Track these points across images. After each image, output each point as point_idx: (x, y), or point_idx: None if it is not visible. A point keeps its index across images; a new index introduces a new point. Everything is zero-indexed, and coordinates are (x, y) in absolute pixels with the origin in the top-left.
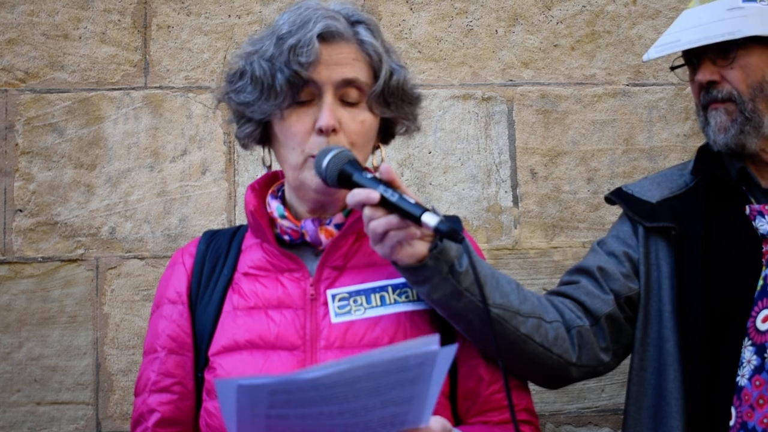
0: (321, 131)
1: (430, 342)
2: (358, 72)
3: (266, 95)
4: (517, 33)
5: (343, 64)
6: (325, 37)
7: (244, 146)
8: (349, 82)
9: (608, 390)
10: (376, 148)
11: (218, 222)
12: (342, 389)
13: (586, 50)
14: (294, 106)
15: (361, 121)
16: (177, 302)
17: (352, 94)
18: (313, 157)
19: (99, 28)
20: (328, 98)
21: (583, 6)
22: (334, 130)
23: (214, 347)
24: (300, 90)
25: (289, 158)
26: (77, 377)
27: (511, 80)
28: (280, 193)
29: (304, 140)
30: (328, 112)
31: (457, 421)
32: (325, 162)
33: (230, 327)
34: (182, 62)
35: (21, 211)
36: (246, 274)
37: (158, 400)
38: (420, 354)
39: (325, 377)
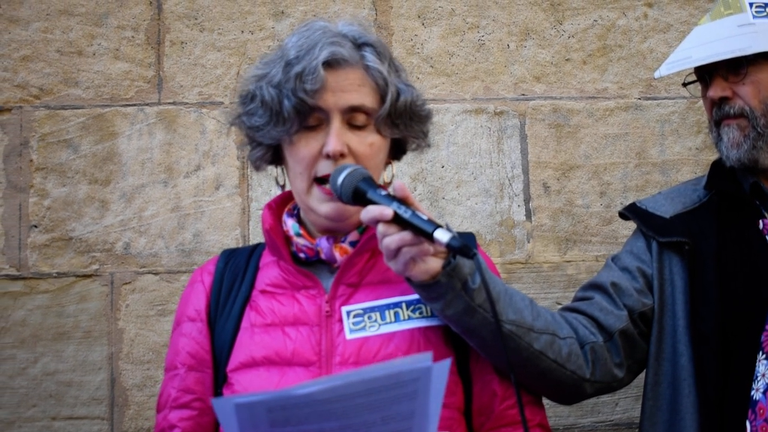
0: (329, 156)
1: (423, 359)
2: (364, 98)
3: (275, 121)
4: (528, 47)
5: (348, 90)
6: (331, 63)
7: (257, 168)
8: (355, 109)
9: (622, 404)
10: (387, 164)
11: (232, 237)
12: (339, 405)
13: (598, 64)
14: (302, 132)
15: (369, 144)
16: (196, 320)
17: (360, 118)
18: (317, 181)
19: (113, 44)
20: (336, 123)
21: (595, 20)
22: (342, 155)
23: (232, 363)
24: (307, 116)
25: (296, 183)
26: (92, 392)
27: (523, 94)
28: (295, 212)
29: (311, 164)
30: (335, 137)
31: None
32: (340, 179)
33: (248, 344)
34: (195, 78)
35: (36, 226)
36: (263, 292)
37: (179, 416)
38: (413, 370)
39: (318, 393)
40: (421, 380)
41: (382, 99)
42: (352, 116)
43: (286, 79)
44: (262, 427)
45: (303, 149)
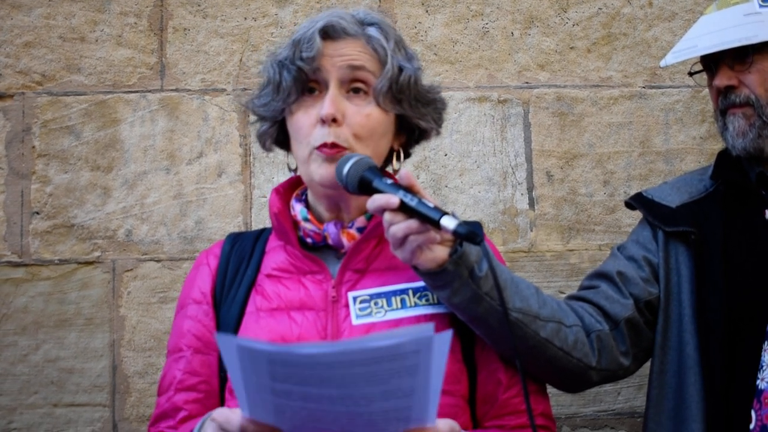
0: (323, 121)
1: (424, 329)
2: (365, 62)
3: (276, 93)
4: (532, 35)
5: (348, 54)
6: (329, 32)
7: (264, 146)
8: (354, 69)
9: (624, 393)
10: (397, 153)
11: (234, 224)
12: (339, 371)
13: (602, 52)
14: (301, 101)
15: (366, 114)
16: (202, 302)
17: (359, 83)
18: (316, 149)
19: (115, 30)
20: (332, 89)
21: (599, 8)
22: (335, 120)
23: None
24: (305, 84)
25: (298, 152)
26: (94, 379)
27: (527, 82)
28: (303, 197)
29: (309, 133)
30: (329, 101)
31: (475, 425)
32: (345, 169)
33: (253, 328)
34: (198, 65)
35: (38, 213)
36: (269, 276)
37: (184, 398)
38: (414, 340)
39: (320, 355)
40: (422, 353)
41: (383, 69)
42: (351, 83)
43: (287, 54)
44: (264, 378)
45: (302, 117)
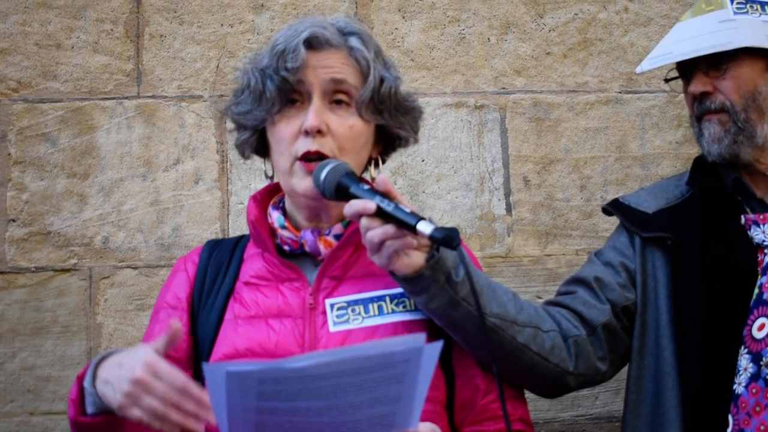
0: (307, 133)
1: (416, 339)
2: (347, 75)
3: (258, 102)
4: (509, 41)
5: (331, 66)
6: (313, 43)
7: (242, 154)
8: (337, 82)
9: (602, 397)
10: (375, 160)
11: (211, 231)
12: (329, 382)
13: (579, 58)
14: (284, 111)
15: (349, 125)
16: (177, 308)
17: (341, 95)
18: (299, 160)
19: (92, 37)
20: (316, 101)
21: (575, 14)
22: (320, 132)
23: (215, 355)
24: (289, 95)
25: (279, 163)
26: (71, 387)
27: (503, 88)
28: (281, 204)
29: (291, 143)
30: (313, 113)
31: (453, 431)
32: (323, 175)
33: (231, 335)
34: (175, 71)
35: (14, 221)
36: (247, 284)
37: None
38: (406, 351)
39: (311, 367)
40: (412, 362)
41: (365, 81)
42: (333, 95)
43: (269, 63)
44: (249, 400)
45: (284, 128)
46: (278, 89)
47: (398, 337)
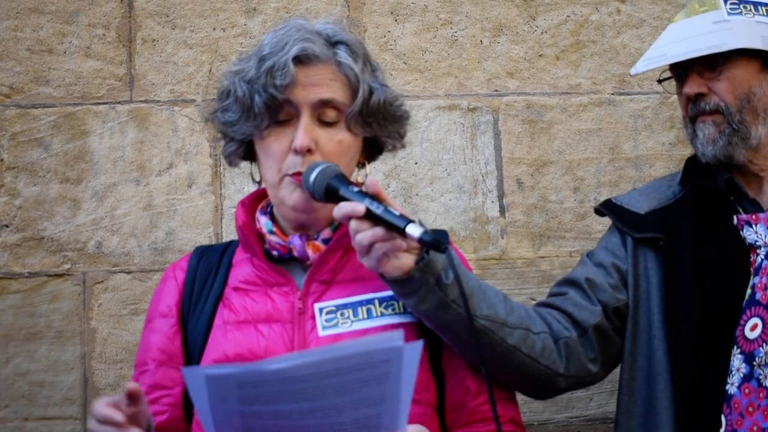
0: (297, 151)
1: (394, 338)
2: (335, 92)
3: (246, 116)
4: (501, 43)
5: (319, 84)
6: (302, 59)
7: (230, 163)
8: (325, 103)
9: (596, 399)
10: (362, 165)
11: (205, 235)
12: (309, 384)
13: (571, 60)
14: (273, 127)
15: (338, 141)
16: (168, 315)
17: (330, 114)
18: (288, 176)
19: (84, 42)
20: (305, 119)
21: (568, 16)
22: (309, 150)
23: (205, 361)
24: (277, 111)
25: (267, 176)
26: (65, 392)
27: (496, 90)
28: (269, 209)
29: (280, 160)
30: (303, 132)
31: None
32: (312, 177)
33: (220, 341)
34: (167, 76)
35: (7, 226)
36: (236, 289)
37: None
38: (384, 349)
39: (289, 369)
40: (393, 362)
41: (354, 96)
42: (322, 112)
43: (257, 75)
44: (232, 404)
45: (273, 144)
46: (266, 106)
47: (375, 335)
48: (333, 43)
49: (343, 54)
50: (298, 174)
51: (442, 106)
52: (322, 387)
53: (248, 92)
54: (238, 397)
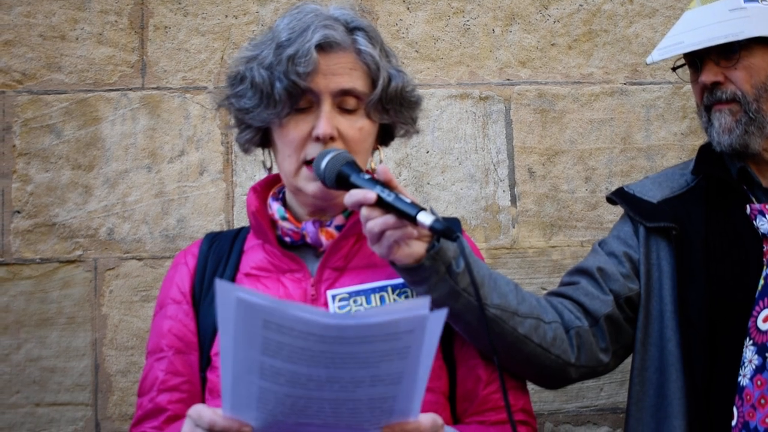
0: (318, 139)
1: (420, 305)
2: (356, 81)
3: (265, 103)
4: (514, 32)
5: (340, 73)
6: (323, 46)
7: (245, 150)
8: (346, 92)
9: (607, 389)
10: (374, 149)
11: (216, 222)
12: (331, 348)
13: (584, 49)
14: (292, 114)
15: (359, 128)
16: (182, 302)
17: (350, 102)
18: (306, 163)
19: (96, 29)
20: (326, 106)
21: (580, 5)
22: (332, 138)
23: (216, 347)
24: (298, 99)
25: (284, 165)
26: (76, 378)
27: (508, 79)
28: (281, 195)
29: (300, 147)
30: (325, 120)
31: (455, 422)
32: (323, 164)
33: None
34: (179, 63)
35: (19, 212)
36: (248, 275)
37: (168, 398)
38: (410, 318)
39: (315, 323)
40: (415, 332)
41: (373, 84)
42: (342, 100)
43: (277, 62)
44: (255, 352)
45: (293, 132)
46: (288, 93)
47: (402, 302)
48: (351, 29)
49: (362, 41)
50: None
51: (454, 95)
52: (343, 355)
53: (268, 79)
54: (262, 342)
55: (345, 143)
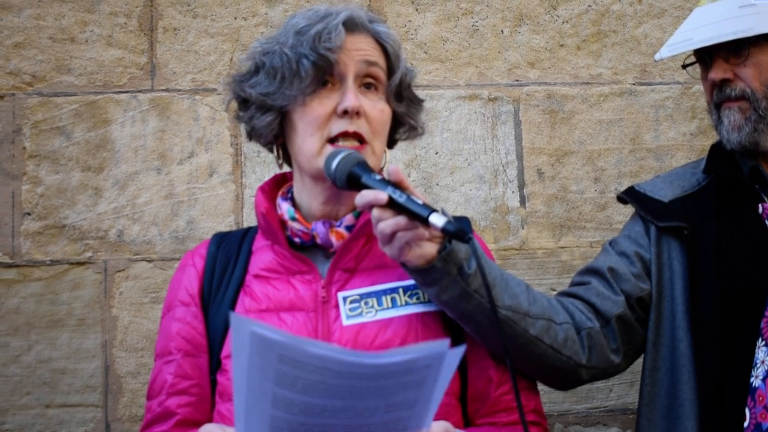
0: (345, 112)
1: (440, 345)
2: (378, 59)
3: (289, 81)
4: (522, 33)
5: (364, 50)
6: (349, 25)
7: (260, 140)
8: (370, 64)
9: (617, 390)
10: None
11: (226, 224)
12: (347, 382)
13: (592, 50)
14: (317, 92)
15: (380, 109)
16: (190, 304)
17: (371, 79)
18: (330, 141)
19: (105, 31)
20: (351, 83)
21: (589, 5)
22: (358, 113)
23: (226, 349)
24: (324, 74)
25: (305, 146)
26: (86, 380)
27: (517, 80)
28: (289, 195)
29: (324, 123)
30: (352, 94)
31: (467, 423)
32: (334, 164)
33: None
34: (189, 65)
35: (29, 214)
36: (257, 276)
37: (177, 402)
38: (428, 356)
39: (331, 360)
40: (433, 367)
41: (390, 69)
42: (365, 78)
43: (300, 42)
44: (268, 382)
45: (318, 107)
46: (315, 67)
47: (423, 343)
48: (370, 20)
49: (382, 29)
50: (344, 134)
51: (463, 96)
52: (360, 388)
53: (294, 56)
54: (276, 374)
55: (369, 122)
